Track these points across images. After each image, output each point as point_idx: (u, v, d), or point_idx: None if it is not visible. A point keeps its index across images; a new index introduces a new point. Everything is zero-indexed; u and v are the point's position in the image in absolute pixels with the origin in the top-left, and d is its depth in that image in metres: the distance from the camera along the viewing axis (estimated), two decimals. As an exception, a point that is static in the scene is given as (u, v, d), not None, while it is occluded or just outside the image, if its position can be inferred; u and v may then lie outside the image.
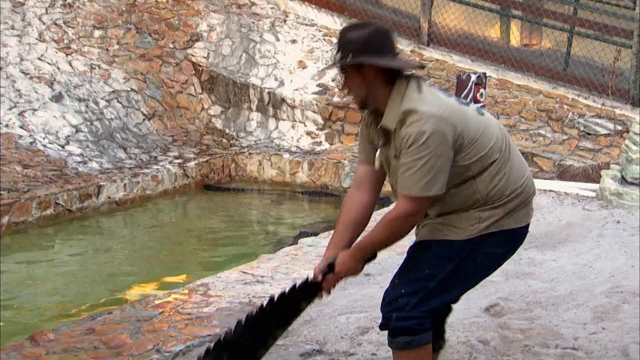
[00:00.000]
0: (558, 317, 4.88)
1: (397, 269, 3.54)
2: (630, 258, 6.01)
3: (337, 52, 3.37)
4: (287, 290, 3.50)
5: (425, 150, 3.19)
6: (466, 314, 4.71)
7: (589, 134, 10.07)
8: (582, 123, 10.22)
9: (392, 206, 3.69)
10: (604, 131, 10.11)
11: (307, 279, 3.50)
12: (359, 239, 3.49)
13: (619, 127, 10.03)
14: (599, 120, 10.27)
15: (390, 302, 3.40)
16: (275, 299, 3.49)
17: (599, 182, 7.86)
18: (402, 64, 3.46)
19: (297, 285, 3.48)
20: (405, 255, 3.56)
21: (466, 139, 3.28)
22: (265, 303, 3.50)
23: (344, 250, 3.43)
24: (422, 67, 3.72)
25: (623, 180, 7.76)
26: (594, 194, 7.72)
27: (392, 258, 6.01)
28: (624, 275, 5.62)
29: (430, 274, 3.38)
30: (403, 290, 3.38)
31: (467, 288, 3.55)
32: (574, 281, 5.42)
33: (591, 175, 8.38)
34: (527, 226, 3.49)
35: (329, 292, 3.49)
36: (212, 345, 3.54)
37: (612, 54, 11.06)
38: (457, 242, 3.37)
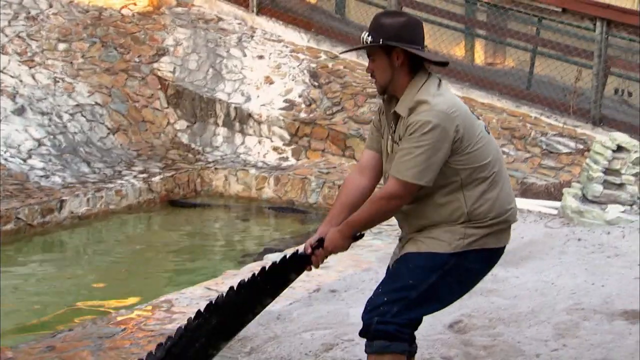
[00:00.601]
0: (520, 334, 4.90)
1: (377, 286, 3.60)
2: (590, 275, 6.05)
3: (368, 35, 3.44)
4: (278, 261, 3.56)
5: (426, 141, 3.29)
6: (430, 331, 4.71)
7: (551, 152, 10.15)
8: (545, 141, 10.30)
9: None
10: (565, 150, 10.19)
11: (297, 251, 3.57)
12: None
13: (580, 146, 10.12)
14: (560, 139, 10.35)
15: (372, 309, 3.46)
16: (267, 268, 3.55)
17: (560, 200, 7.93)
18: (430, 56, 3.56)
19: (287, 257, 3.55)
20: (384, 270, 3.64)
21: (464, 144, 3.38)
22: (257, 272, 3.55)
23: (334, 227, 3.50)
24: (447, 63, 3.78)
25: (584, 199, 7.83)
26: (555, 212, 7.78)
27: (357, 274, 6.03)
28: (585, 293, 5.65)
29: (412, 284, 3.44)
30: (385, 298, 3.43)
31: (446, 302, 3.61)
32: (536, 298, 5.45)
33: (553, 193, 8.45)
34: (505, 247, 3.58)
35: (317, 266, 3.57)
36: (203, 308, 3.58)
37: (574, 74, 11.19)
38: (441, 254, 3.44)
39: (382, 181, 3.62)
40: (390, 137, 3.50)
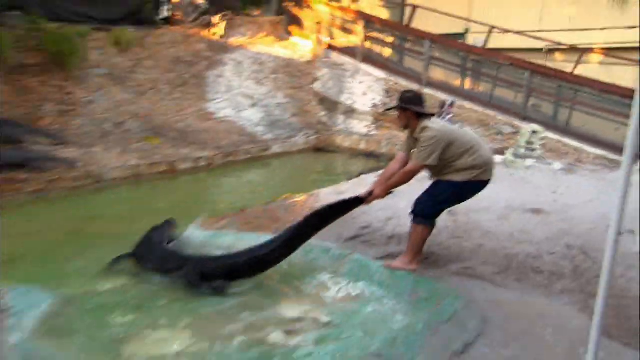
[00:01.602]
0: (480, 217, 4.87)
1: (421, 193, 3.56)
2: (517, 192, 5.92)
3: (397, 102, 3.49)
4: (347, 199, 3.56)
5: (428, 143, 3.34)
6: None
7: (500, 133, 9.78)
8: (498, 127, 9.93)
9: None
10: (507, 131, 9.80)
11: (358, 196, 3.52)
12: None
13: (514, 130, 9.70)
14: (504, 126, 9.96)
15: (417, 203, 3.58)
16: (341, 201, 3.54)
17: (504, 155, 7.68)
18: (426, 111, 3.51)
19: (354, 197, 3.54)
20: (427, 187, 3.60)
21: (452, 143, 3.36)
22: (334, 202, 3.52)
23: (378, 186, 3.53)
24: (434, 114, 3.70)
25: (515, 155, 7.58)
26: (501, 161, 7.55)
27: (410, 185, 6.02)
28: (513, 201, 5.55)
29: (439, 194, 3.51)
30: (425, 198, 3.52)
31: (453, 204, 3.63)
32: (489, 201, 5.37)
33: (500, 152, 8.19)
34: (489, 180, 3.51)
35: (368, 204, 3.57)
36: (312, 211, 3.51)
37: (513, 94, 10.70)
38: (455, 182, 3.46)
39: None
40: (414, 147, 3.48)
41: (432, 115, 3.56)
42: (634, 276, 3.64)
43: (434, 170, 3.47)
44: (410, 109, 3.40)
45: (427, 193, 3.51)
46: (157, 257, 3.53)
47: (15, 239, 4.64)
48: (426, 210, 3.48)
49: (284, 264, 3.56)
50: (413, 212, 3.52)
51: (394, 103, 3.52)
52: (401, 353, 2.47)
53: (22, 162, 6.38)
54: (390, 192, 3.53)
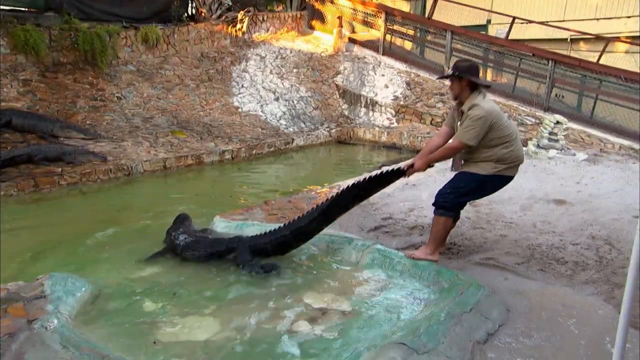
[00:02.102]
0: (503, 208, 4.78)
1: (445, 183, 3.49)
2: (539, 182, 5.80)
3: (452, 70, 3.32)
4: (387, 170, 3.46)
5: (475, 123, 3.22)
6: (459, 204, 4.63)
7: (523, 123, 9.58)
8: (520, 118, 9.72)
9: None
10: (530, 122, 9.58)
11: (400, 167, 3.42)
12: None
13: (537, 121, 9.49)
14: (528, 117, 9.73)
15: (440, 194, 3.49)
16: (381, 172, 3.44)
17: (526, 147, 7.52)
18: (482, 82, 3.38)
19: (395, 169, 3.46)
20: (452, 177, 3.54)
21: (494, 127, 3.25)
22: (375, 174, 3.43)
23: (420, 159, 3.41)
24: (489, 86, 3.55)
25: (538, 146, 7.42)
26: (524, 152, 7.42)
27: (426, 178, 5.96)
28: (536, 191, 5.44)
29: (462, 186, 3.42)
30: (448, 190, 3.45)
31: (477, 197, 3.54)
32: (512, 192, 5.27)
33: (523, 142, 8.05)
34: (513, 176, 3.43)
35: (408, 176, 3.44)
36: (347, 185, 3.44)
37: (536, 85, 10.44)
38: (480, 174, 3.39)
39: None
40: (459, 121, 3.38)
41: (488, 87, 3.41)
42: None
43: (466, 150, 3.40)
44: (465, 78, 3.28)
45: (450, 185, 3.45)
46: (201, 245, 3.60)
47: (53, 229, 4.77)
48: (448, 202, 3.42)
49: (307, 255, 3.56)
50: (435, 203, 3.47)
51: (451, 71, 3.32)
52: (424, 342, 2.45)
53: (57, 156, 6.55)
54: (431, 166, 3.46)
